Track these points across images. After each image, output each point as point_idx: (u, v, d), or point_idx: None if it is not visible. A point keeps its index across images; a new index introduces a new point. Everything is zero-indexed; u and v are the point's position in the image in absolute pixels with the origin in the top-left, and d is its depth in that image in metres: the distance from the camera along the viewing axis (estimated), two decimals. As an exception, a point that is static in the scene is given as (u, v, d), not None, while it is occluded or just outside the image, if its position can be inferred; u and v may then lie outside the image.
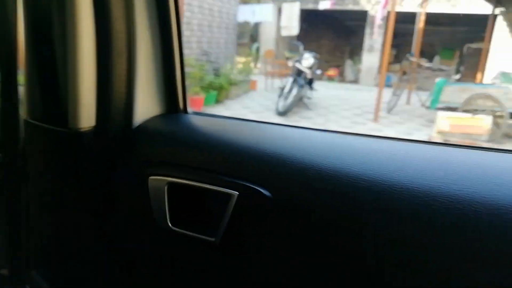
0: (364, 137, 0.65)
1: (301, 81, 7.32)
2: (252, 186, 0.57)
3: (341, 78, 13.31)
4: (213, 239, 0.59)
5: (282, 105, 6.92)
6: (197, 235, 0.61)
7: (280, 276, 0.56)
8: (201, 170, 0.62)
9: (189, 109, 0.81)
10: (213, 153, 0.62)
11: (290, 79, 7.35)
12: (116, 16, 0.62)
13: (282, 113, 6.81)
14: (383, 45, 9.32)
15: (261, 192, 0.56)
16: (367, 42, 11.92)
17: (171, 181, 0.63)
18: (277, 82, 8.94)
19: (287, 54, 12.26)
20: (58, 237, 0.78)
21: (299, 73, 7.44)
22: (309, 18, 13.40)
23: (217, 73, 7.75)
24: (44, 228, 0.78)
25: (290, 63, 8.56)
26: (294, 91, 7.11)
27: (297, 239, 0.54)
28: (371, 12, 11.42)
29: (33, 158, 0.71)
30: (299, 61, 7.68)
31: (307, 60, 7.62)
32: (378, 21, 10.28)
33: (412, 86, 8.08)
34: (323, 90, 9.40)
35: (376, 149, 0.58)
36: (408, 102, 8.29)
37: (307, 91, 7.67)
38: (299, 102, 7.45)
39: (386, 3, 8.51)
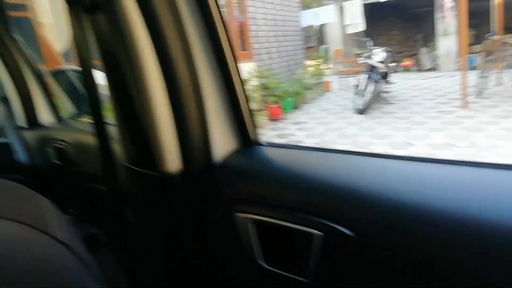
0: (448, 164, 0.60)
1: (375, 76, 7.15)
2: (334, 226, 0.57)
3: (418, 67, 12.70)
4: (306, 280, 0.60)
5: (359, 102, 6.80)
6: (289, 275, 0.62)
7: None
8: (284, 208, 0.63)
9: (262, 140, 0.82)
10: (293, 188, 0.63)
11: (364, 76, 7.21)
12: (178, 62, 0.67)
13: (361, 111, 6.68)
14: (458, 26, 8.76)
15: (343, 232, 0.56)
16: (440, 26, 11.27)
17: (257, 219, 0.66)
18: (351, 80, 8.79)
19: (356, 51, 12.03)
20: (157, 274, 0.82)
21: (371, 68, 7.27)
22: (374, 11, 13.02)
23: (290, 80, 7.86)
24: (144, 262, 0.83)
25: (361, 60, 8.39)
26: (370, 87, 6.95)
27: (384, 278, 0.53)
28: (441, -6, 10.80)
29: (132, 199, 0.77)
30: (369, 57, 7.52)
31: (378, 54, 7.43)
32: (448, 3, 9.70)
33: (500, 66, 7.47)
34: (400, 82, 9.05)
35: (467, 179, 0.54)
36: (498, 83, 7.67)
37: (382, 86, 7.46)
38: (377, 98, 7.27)
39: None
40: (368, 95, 6.85)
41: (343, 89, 9.39)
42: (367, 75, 7.16)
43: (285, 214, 0.62)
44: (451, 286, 0.46)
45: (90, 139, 1.25)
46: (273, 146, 0.82)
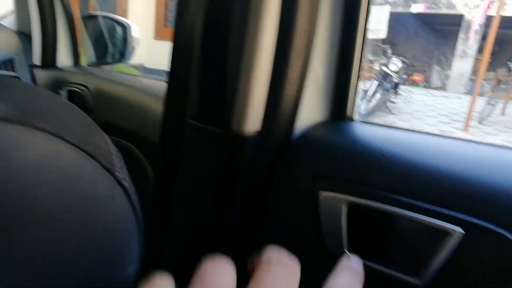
0: None
1: (387, 84, 7.13)
2: (484, 224, 0.45)
3: (427, 83, 12.68)
4: (418, 281, 0.50)
5: (364, 108, 6.79)
6: (393, 272, 0.52)
7: None
8: (392, 192, 0.52)
9: (356, 117, 0.74)
10: (410, 174, 0.52)
11: (375, 82, 7.18)
12: (302, 12, 0.55)
13: (362, 116, 6.69)
14: (479, 51, 8.71)
15: (501, 234, 0.44)
16: (460, 47, 11.23)
17: (353, 201, 0.54)
18: (361, 85, 8.74)
19: (371, 57, 11.95)
20: (197, 242, 0.72)
21: (385, 76, 7.24)
22: (398, 21, 12.92)
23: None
24: (185, 230, 0.73)
25: (374, 66, 8.34)
26: (378, 94, 6.94)
27: None
28: (468, 16, 10.73)
29: (191, 157, 0.67)
30: (386, 64, 7.48)
31: (395, 64, 7.39)
32: (476, 26, 9.65)
33: (508, 96, 7.49)
34: (406, 95, 9.04)
35: None
36: (503, 112, 7.70)
37: (391, 95, 7.44)
38: (382, 106, 7.26)
39: (488, 7, 7.96)
40: (373, 102, 6.84)
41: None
42: (378, 82, 7.13)
43: (399, 203, 0.50)
44: None
45: (114, 88, 1.23)
46: (371, 124, 0.71)
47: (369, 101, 6.85)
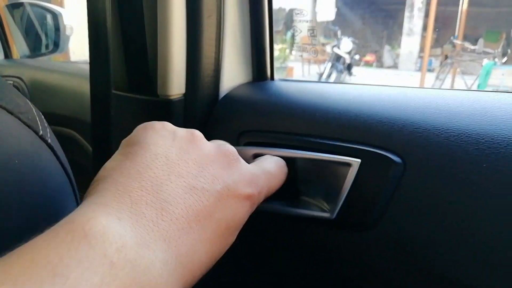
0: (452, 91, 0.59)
1: (340, 66, 7.27)
2: (377, 151, 0.50)
3: (379, 63, 13.04)
4: (328, 215, 0.53)
5: (321, 90, 6.92)
6: (308, 211, 0.55)
7: (411, 253, 0.49)
8: (309, 136, 0.56)
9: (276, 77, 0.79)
10: (321, 119, 0.56)
11: (329, 65, 7.31)
12: None
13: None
14: (423, 28, 9.05)
15: (389, 158, 0.50)
16: (406, 25, 11.60)
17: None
18: (314, 68, 8.88)
19: (323, 40, 12.14)
20: None
21: (337, 58, 7.38)
22: (345, 2, 13.16)
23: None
24: None
25: (326, 49, 8.49)
26: (333, 76, 7.07)
27: (434, 208, 0.46)
28: (411, -6, 11.10)
29: (122, 128, 0.69)
30: (337, 46, 7.61)
31: (346, 44, 7.54)
32: (418, 3, 9.98)
33: (456, 70, 7.84)
34: (360, 76, 9.28)
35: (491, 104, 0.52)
36: (452, 86, 8.06)
37: (346, 77, 7.60)
38: (338, 88, 7.42)
39: (428, -16, 8.26)
40: (329, 84, 6.98)
41: (305, 76, 9.48)
42: (331, 64, 7.26)
43: (309, 143, 0.54)
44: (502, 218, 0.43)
45: (48, 77, 1.18)
46: (290, 81, 0.76)
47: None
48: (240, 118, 0.64)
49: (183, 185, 0.28)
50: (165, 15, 0.58)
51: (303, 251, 0.59)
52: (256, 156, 0.56)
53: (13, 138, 0.26)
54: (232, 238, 0.31)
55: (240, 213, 0.31)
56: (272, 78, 0.78)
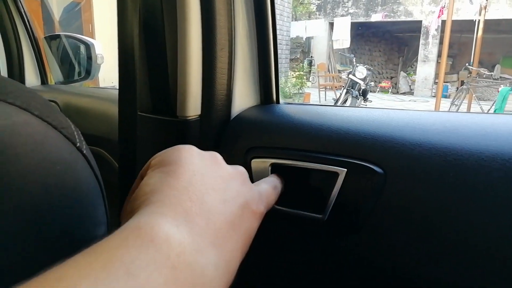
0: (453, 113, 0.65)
1: (355, 92, 7.36)
2: (361, 163, 0.57)
3: (395, 89, 13.09)
4: (320, 216, 0.60)
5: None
6: (303, 212, 0.63)
7: (395, 254, 0.55)
8: (305, 151, 0.64)
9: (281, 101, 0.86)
10: (316, 136, 0.63)
11: (344, 91, 7.41)
12: (220, 12, 0.69)
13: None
14: (438, 55, 9.10)
15: (372, 169, 0.56)
16: (421, 52, 11.69)
17: (274, 162, 0.67)
18: (330, 95, 8.99)
19: (339, 67, 12.28)
20: None
21: (353, 84, 7.49)
22: (361, 31, 13.36)
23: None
24: None
25: (343, 76, 8.61)
26: (348, 102, 7.16)
27: (413, 215, 0.52)
28: (425, 22, 11.22)
29: (146, 146, 0.76)
30: (352, 72, 7.73)
31: (361, 71, 7.65)
32: (433, 31, 10.09)
33: (472, 96, 7.83)
34: (376, 101, 9.33)
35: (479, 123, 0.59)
36: (468, 111, 8.01)
37: (361, 102, 7.68)
38: (353, 113, 7.44)
39: (441, 12, 8.37)
40: (345, 109, 7.02)
41: (321, 101, 9.57)
42: (347, 90, 7.36)
43: (306, 156, 0.63)
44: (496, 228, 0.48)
45: (80, 100, 1.29)
46: (294, 105, 0.84)
47: (340, 109, 7.02)
48: (248, 136, 0.72)
49: (219, 198, 0.31)
50: (184, 48, 0.68)
51: (297, 251, 0.66)
52: (273, 165, 0.67)
53: (56, 148, 0.31)
54: (248, 247, 0.33)
55: (254, 225, 0.35)
56: (277, 101, 0.86)
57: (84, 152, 0.36)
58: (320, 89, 9.98)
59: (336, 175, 0.60)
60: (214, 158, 0.37)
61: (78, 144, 0.34)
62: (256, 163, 0.69)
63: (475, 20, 8.78)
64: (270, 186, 0.47)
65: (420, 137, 0.57)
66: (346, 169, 0.60)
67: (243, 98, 0.80)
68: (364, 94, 7.66)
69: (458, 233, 0.50)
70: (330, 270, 0.64)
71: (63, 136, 0.33)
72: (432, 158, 0.53)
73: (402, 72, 13.39)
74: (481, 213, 0.49)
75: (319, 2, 12.83)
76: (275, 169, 0.68)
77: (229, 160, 0.73)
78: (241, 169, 0.39)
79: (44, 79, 1.57)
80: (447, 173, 0.51)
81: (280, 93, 0.88)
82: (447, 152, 0.53)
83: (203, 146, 0.74)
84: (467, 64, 8.01)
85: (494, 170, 0.49)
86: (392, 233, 0.55)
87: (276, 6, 9.08)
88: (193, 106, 0.71)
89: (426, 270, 0.52)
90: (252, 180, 0.69)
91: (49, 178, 0.30)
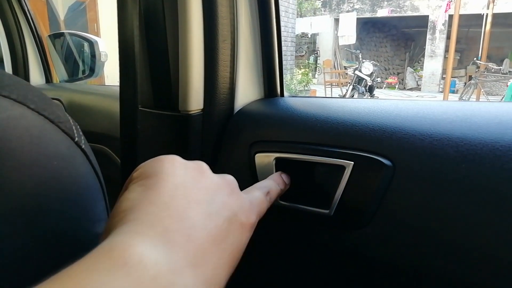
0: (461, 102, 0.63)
1: (362, 88, 7.32)
2: (368, 155, 0.56)
3: (401, 85, 13.00)
4: (326, 211, 0.59)
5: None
6: (309, 208, 0.61)
7: (402, 250, 0.53)
8: (310, 144, 0.62)
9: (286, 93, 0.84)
10: (321, 129, 0.62)
11: (350, 87, 7.38)
12: (222, 2, 0.66)
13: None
14: (447, 50, 9.02)
15: (380, 161, 0.54)
16: (428, 47, 11.59)
17: (278, 156, 0.64)
18: (336, 91, 8.96)
19: (345, 63, 12.23)
20: None
21: (359, 81, 7.45)
22: (367, 26, 13.28)
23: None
24: None
25: (349, 72, 8.57)
26: (355, 98, 7.13)
27: (423, 210, 0.50)
28: (432, 17, 11.12)
29: (147, 141, 0.75)
30: (358, 69, 7.69)
31: (367, 67, 7.61)
32: (440, 26, 10.00)
33: (480, 91, 7.75)
34: (383, 97, 9.25)
35: (488, 112, 0.57)
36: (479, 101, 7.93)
37: (367, 98, 7.63)
38: (359, 110, 7.41)
39: (448, 7, 8.29)
40: (351, 106, 6.99)
41: (328, 98, 9.52)
42: (353, 86, 7.32)
43: (310, 150, 0.61)
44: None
45: (84, 98, 1.29)
46: (299, 97, 0.82)
47: (346, 105, 6.99)
48: (252, 130, 0.70)
49: (202, 211, 0.30)
50: (185, 39, 0.66)
51: (303, 246, 0.65)
52: (278, 159, 0.65)
53: (53, 142, 0.30)
54: (237, 262, 0.32)
55: (245, 237, 0.33)
56: (282, 94, 0.84)
57: (83, 147, 0.35)
58: (326, 86, 9.94)
59: (342, 168, 0.58)
60: (199, 168, 0.35)
61: (76, 139, 0.33)
62: (260, 157, 0.68)
63: (483, 13, 8.68)
64: (262, 193, 0.44)
65: (430, 127, 0.55)
66: (352, 162, 0.57)
67: (246, 91, 0.78)
68: (370, 90, 7.62)
69: (470, 228, 0.48)
70: (335, 266, 0.62)
71: (61, 130, 0.32)
72: (443, 149, 0.51)
73: (409, 68, 13.29)
74: (498, 208, 0.46)
75: (324, -2, 12.79)
76: (280, 163, 0.66)
77: (232, 156, 0.71)
78: (229, 178, 0.37)
79: (48, 78, 1.57)
80: (460, 165, 0.49)
81: (285, 89, 0.86)
82: (459, 143, 0.50)
83: (206, 141, 0.72)
84: (475, 58, 7.94)
85: (510, 160, 0.47)
86: (400, 228, 0.53)
87: (281, 3, 9.07)
88: (195, 100, 0.70)
89: (434, 267, 0.50)
90: (256, 175, 0.69)
91: (46, 173, 0.29)
